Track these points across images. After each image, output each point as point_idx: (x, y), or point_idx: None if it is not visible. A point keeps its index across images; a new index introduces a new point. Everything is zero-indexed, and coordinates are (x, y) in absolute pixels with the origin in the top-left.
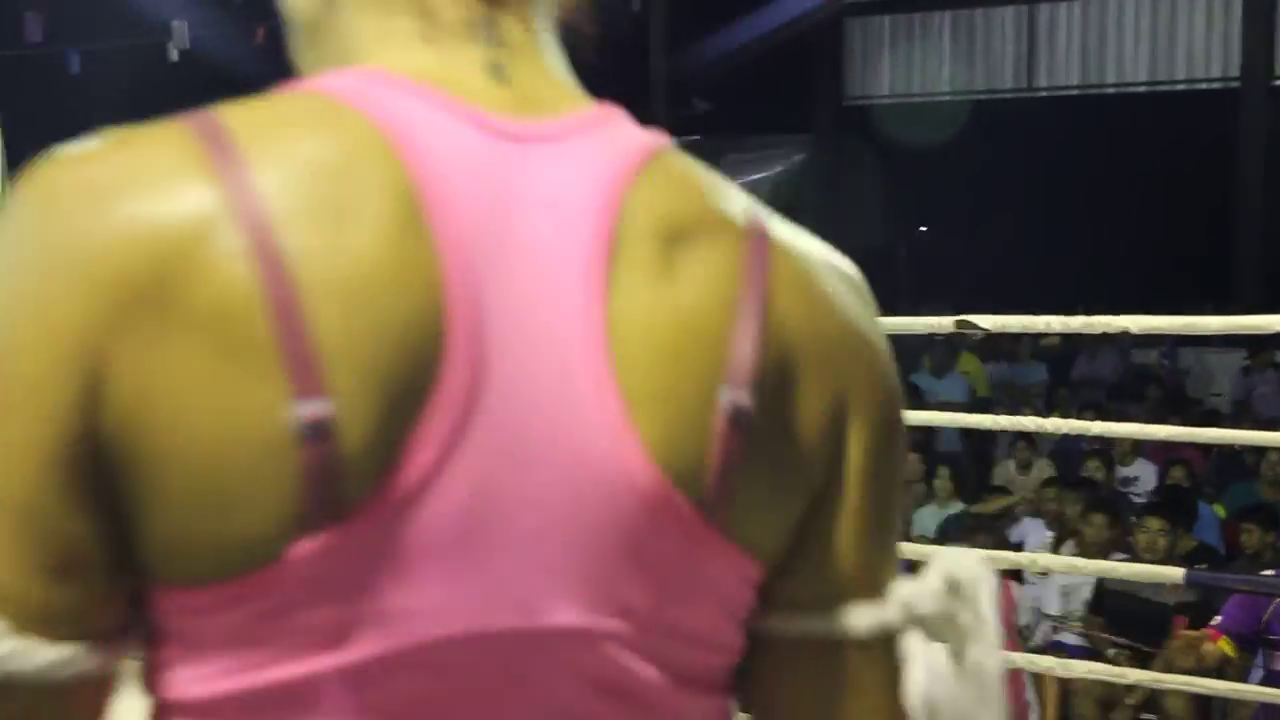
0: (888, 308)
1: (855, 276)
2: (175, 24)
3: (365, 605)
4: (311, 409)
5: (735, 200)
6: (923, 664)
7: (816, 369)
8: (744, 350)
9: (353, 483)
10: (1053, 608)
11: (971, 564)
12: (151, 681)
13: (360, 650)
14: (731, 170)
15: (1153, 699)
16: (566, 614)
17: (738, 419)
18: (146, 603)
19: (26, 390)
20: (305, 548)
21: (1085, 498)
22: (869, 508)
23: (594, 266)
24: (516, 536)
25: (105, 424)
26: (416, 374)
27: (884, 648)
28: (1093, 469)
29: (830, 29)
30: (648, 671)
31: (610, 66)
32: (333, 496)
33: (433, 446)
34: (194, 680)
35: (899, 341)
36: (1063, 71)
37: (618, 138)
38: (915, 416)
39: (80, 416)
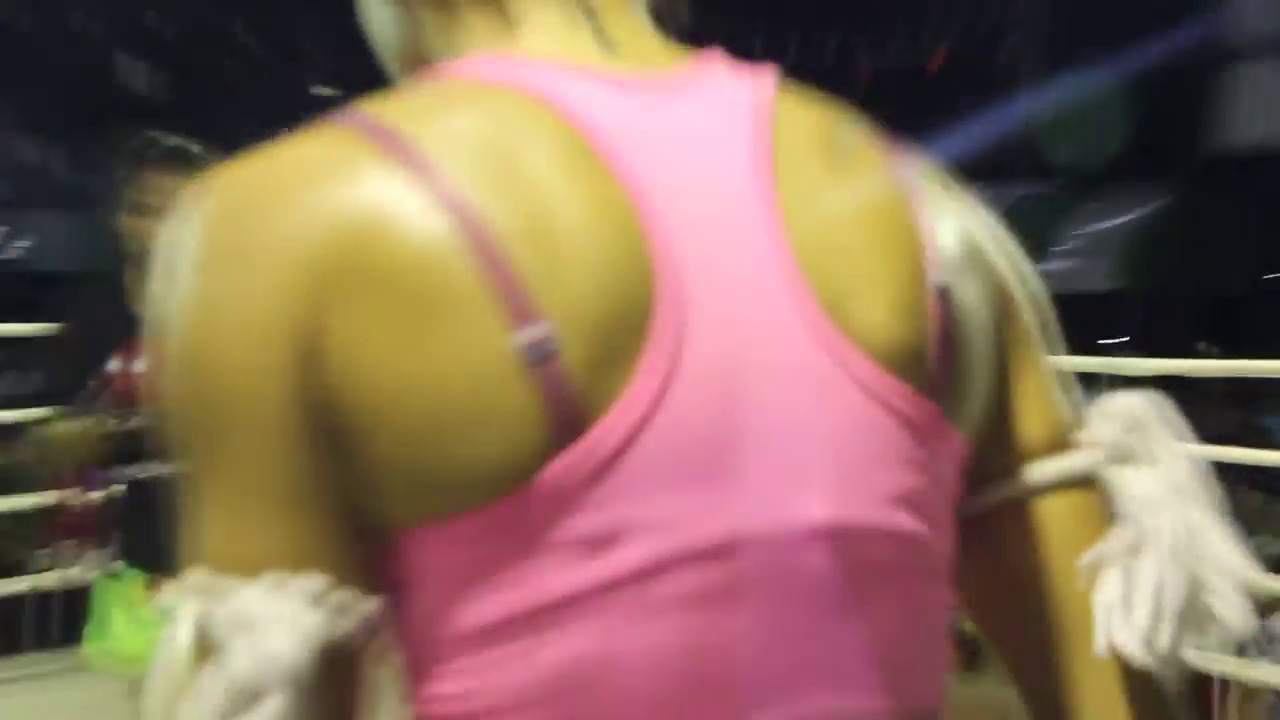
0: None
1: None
2: None
3: (622, 515)
4: (531, 333)
5: (854, 117)
6: (1128, 488)
7: (973, 252)
8: (931, 234)
9: (585, 400)
10: None
11: (1135, 399)
12: (411, 632)
13: (625, 558)
14: (1089, 217)
15: None
16: (821, 509)
17: (945, 297)
18: (387, 559)
19: (255, 386)
20: (553, 466)
21: None
22: (1044, 369)
23: (763, 186)
24: (755, 442)
25: (330, 390)
26: (626, 294)
27: (1089, 488)
28: None
29: (1189, 75)
30: (903, 564)
31: (971, 116)
32: (569, 413)
33: (660, 362)
34: (461, 615)
35: (1251, 385)
36: None
37: (736, 77)
38: (1257, 457)
39: (308, 391)
